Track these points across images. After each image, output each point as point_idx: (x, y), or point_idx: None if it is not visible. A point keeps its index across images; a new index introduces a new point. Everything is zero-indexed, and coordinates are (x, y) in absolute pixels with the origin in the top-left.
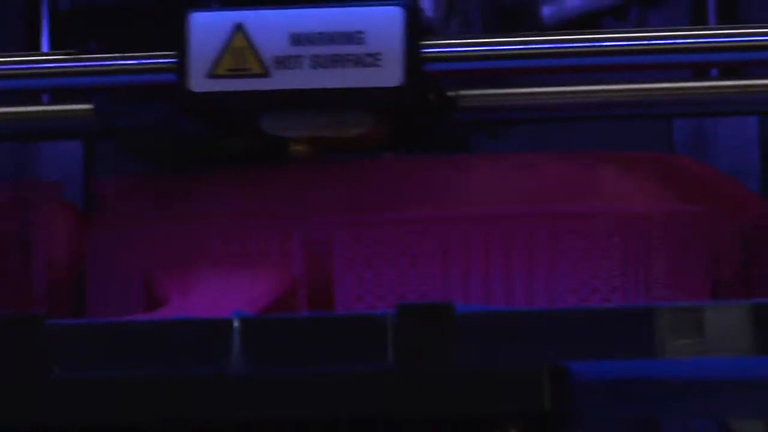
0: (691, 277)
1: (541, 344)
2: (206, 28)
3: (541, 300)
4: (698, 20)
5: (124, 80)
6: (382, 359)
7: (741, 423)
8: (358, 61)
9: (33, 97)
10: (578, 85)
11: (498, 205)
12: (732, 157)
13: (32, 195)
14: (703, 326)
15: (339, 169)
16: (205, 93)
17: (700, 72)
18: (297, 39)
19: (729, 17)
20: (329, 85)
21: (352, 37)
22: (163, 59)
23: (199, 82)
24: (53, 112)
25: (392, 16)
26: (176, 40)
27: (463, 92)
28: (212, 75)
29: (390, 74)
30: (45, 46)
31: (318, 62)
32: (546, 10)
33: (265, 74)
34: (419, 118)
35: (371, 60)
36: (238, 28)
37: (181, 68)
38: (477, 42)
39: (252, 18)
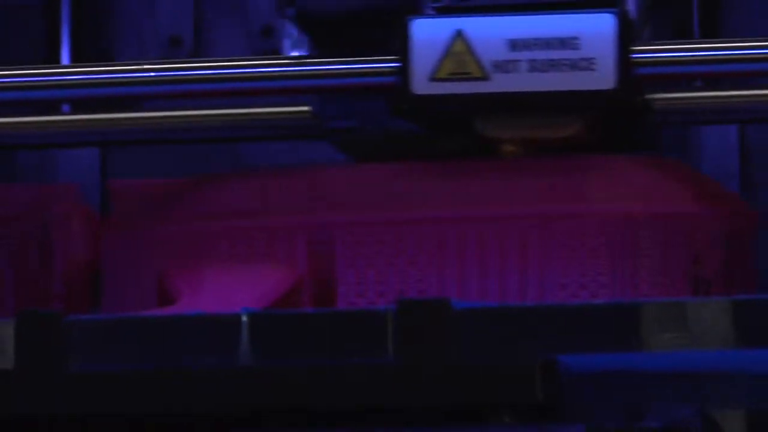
0: (674, 274)
1: (533, 338)
2: (428, 34)
3: (533, 296)
4: None
5: (347, 83)
6: (383, 353)
7: (721, 412)
8: (573, 66)
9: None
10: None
11: (492, 207)
12: (714, 160)
13: (51, 198)
14: (686, 321)
15: (340, 173)
16: (427, 95)
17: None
18: (514, 44)
19: None
20: (545, 89)
21: (567, 43)
22: (384, 63)
23: (421, 85)
24: (270, 114)
25: (605, 23)
26: (399, 45)
27: (659, 95)
28: (434, 78)
29: (603, 78)
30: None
31: (535, 66)
32: None
33: (484, 78)
34: (625, 120)
35: (585, 64)
36: (459, 34)
37: (403, 72)
38: (684, 47)
39: (471, 24)
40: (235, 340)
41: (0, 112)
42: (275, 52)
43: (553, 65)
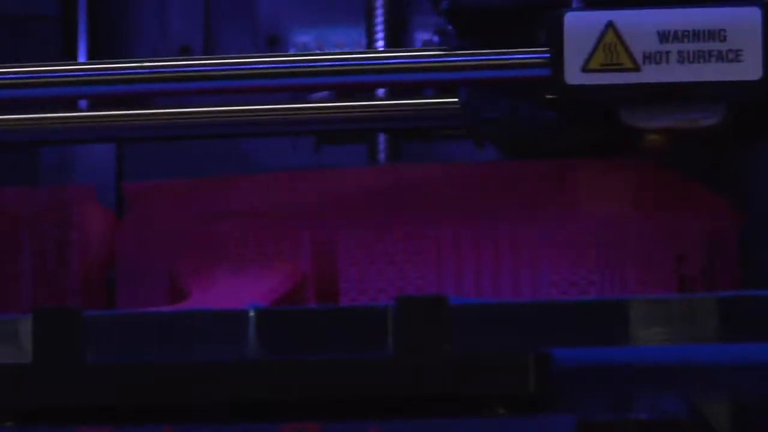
0: (661, 272)
1: (527, 333)
2: (580, 26)
3: (526, 294)
4: None
5: (499, 75)
6: (383, 346)
7: (706, 403)
8: (721, 57)
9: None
10: None
11: (487, 210)
12: None
13: (69, 198)
14: (672, 317)
15: (344, 177)
16: (580, 86)
17: None
18: (665, 36)
19: None
20: (694, 79)
21: (715, 35)
22: (537, 54)
23: (573, 75)
24: (425, 104)
25: (752, 15)
26: (551, 37)
27: None
28: (586, 69)
29: (750, 69)
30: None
31: (684, 57)
32: None
33: (635, 69)
34: (762, 111)
35: (733, 56)
36: (610, 25)
37: (556, 63)
38: None
39: (623, 17)
40: (243, 334)
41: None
42: None
43: (701, 56)
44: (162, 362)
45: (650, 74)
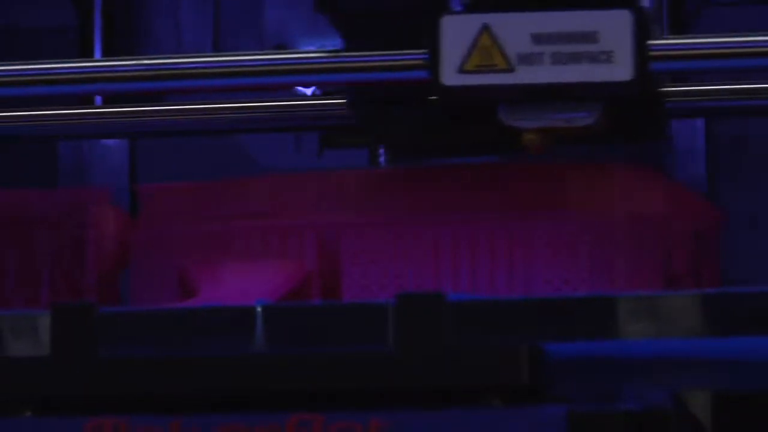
0: (648, 270)
1: (520, 327)
2: (457, 29)
3: (520, 291)
4: None
5: (379, 76)
6: (384, 341)
7: (689, 394)
8: (593, 58)
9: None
10: None
11: (483, 210)
12: (682, 166)
13: (85, 200)
14: (659, 312)
15: (346, 178)
16: (456, 86)
17: None
18: (538, 38)
19: None
20: (567, 80)
21: (587, 37)
22: (415, 56)
23: (450, 77)
24: (311, 104)
25: (623, 18)
26: (429, 39)
27: (671, 87)
28: (462, 70)
29: (622, 70)
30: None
31: (557, 59)
32: None
33: (510, 70)
34: (637, 111)
35: (605, 57)
36: (485, 28)
37: (434, 65)
38: (699, 42)
39: (498, 20)
40: (250, 329)
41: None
42: None
43: (574, 58)
44: (172, 356)
45: (524, 75)
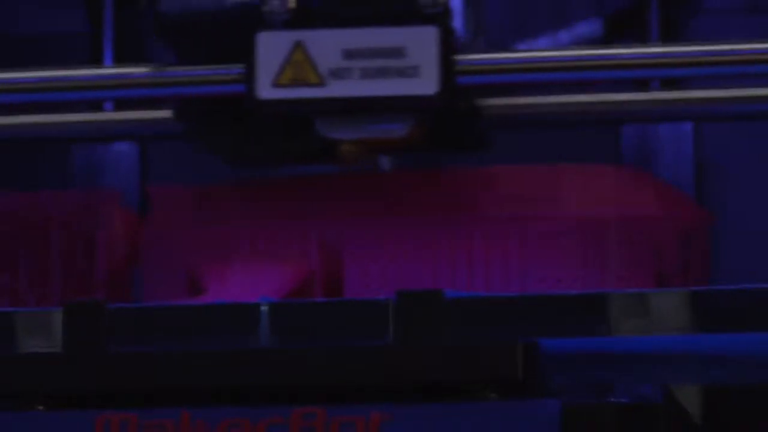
0: (639, 269)
1: (515, 324)
2: (271, 45)
3: (515, 288)
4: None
5: (200, 90)
6: (384, 336)
7: (679, 389)
8: (400, 73)
9: (119, 105)
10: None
11: (480, 211)
12: (671, 168)
13: (96, 201)
14: (649, 309)
15: (348, 181)
16: (270, 100)
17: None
18: (348, 54)
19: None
20: (375, 93)
21: (395, 52)
22: (232, 71)
23: (265, 91)
24: (135, 119)
25: (429, 34)
26: (246, 55)
27: (490, 101)
28: (276, 84)
29: (428, 84)
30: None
31: (366, 73)
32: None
33: (321, 84)
34: (452, 123)
35: (411, 71)
36: (298, 44)
37: (249, 79)
38: (504, 57)
39: (310, 36)
40: (256, 325)
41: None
42: None
43: (382, 72)
44: (180, 351)
45: (335, 89)
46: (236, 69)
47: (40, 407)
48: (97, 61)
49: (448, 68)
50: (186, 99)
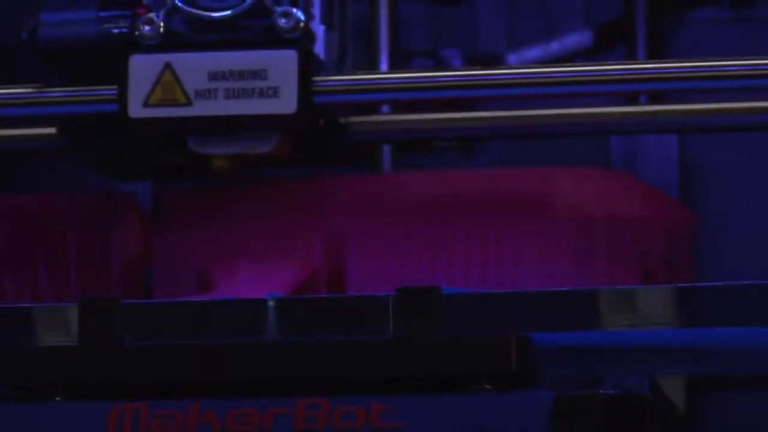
0: (626, 267)
1: (509, 319)
2: (143, 66)
3: (509, 285)
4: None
5: (77, 109)
6: (384, 331)
7: (665, 380)
8: (262, 93)
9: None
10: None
11: (476, 212)
12: (657, 171)
13: (110, 204)
14: (636, 305)
15: (350, 183)
16: (141, 119)
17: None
18: (214, 75)
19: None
20: (239, 113)
21: (257, 74)
22: (106, 91)
23: (137, 110)
24: (22, 135)
25: (289, 57)
26: (119, 76)
27: (352, 118)
28: (147, 104)
29: (287, 103)
30: None
31: (230, 94)
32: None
33: (188, 103)
34: (314, 139)
35: (272, 92)
36: (168, 66)
37: (122, 99)
38: (360, 78)
39: (179, 59)
40: (263, 320)
41: None
42: None
43: (245, 93)
44: (192, 345)
45: (201, 108)
46: (111, 90)
47: (58, 398)
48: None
49: (306, 89)
50: (67, 117)
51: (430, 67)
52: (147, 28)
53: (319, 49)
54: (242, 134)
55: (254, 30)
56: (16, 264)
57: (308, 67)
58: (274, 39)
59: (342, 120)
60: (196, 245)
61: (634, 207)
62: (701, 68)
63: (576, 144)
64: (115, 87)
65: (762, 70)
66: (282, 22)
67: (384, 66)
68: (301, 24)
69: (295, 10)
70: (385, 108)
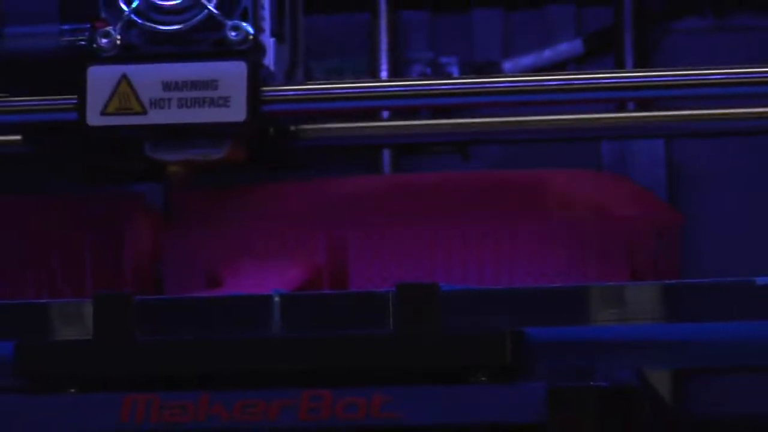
0: (616, 264)
1: (504, 314)
2: (100, 77)
3: (504, 281)
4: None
5: (39, 117)
6: (385, 325)
7: (652, 372)
8: (213, 102)
9: None
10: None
11: (473, 214)
12: (646, 174)
13: (122, 204)
14: (626, 301)
15: (353, 184)
16: (99, 126)
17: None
18: (168, 85)
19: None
20: (191, 121)
21: (209, 84)
22: (66, 101)
23: (94, 118)
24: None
25: (239, 68)
26: (78, 86)
27: (302, 126)
28: (104, 113)
29: (237, 112)
30: None
31: (183, 103)
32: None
33: (143, 112)
34: (265, 146)
35: (223, 101)
36: (124, 77)
37: (81, 107)
38: (307, 88)
39: (135, 70)
40: (269, 315)
41: None
42: None
43: (197, 102)
44: (200, 339)
45: (156, 117)
46: (71, 99)
47: (73, 390)
48: None
49: (255, 98)
50: (31, 125)
51: (368, 78)
52: (104, 40)
53: (269, 60)
54: (196, 141)
55: (206, 43)
56: (34, 262)
57: (257, 77)
58: (224, 51)
59: (292, 127)
60: (205, 244)
61: (624, 207)
62: (686, 76)
63: (569, 148)
64: (75, 96)
65: (744, 77)
66: (232, 35)
67: (384, 74)
68: (251, 37)
69: (244, 23)
70: (385, 114)
